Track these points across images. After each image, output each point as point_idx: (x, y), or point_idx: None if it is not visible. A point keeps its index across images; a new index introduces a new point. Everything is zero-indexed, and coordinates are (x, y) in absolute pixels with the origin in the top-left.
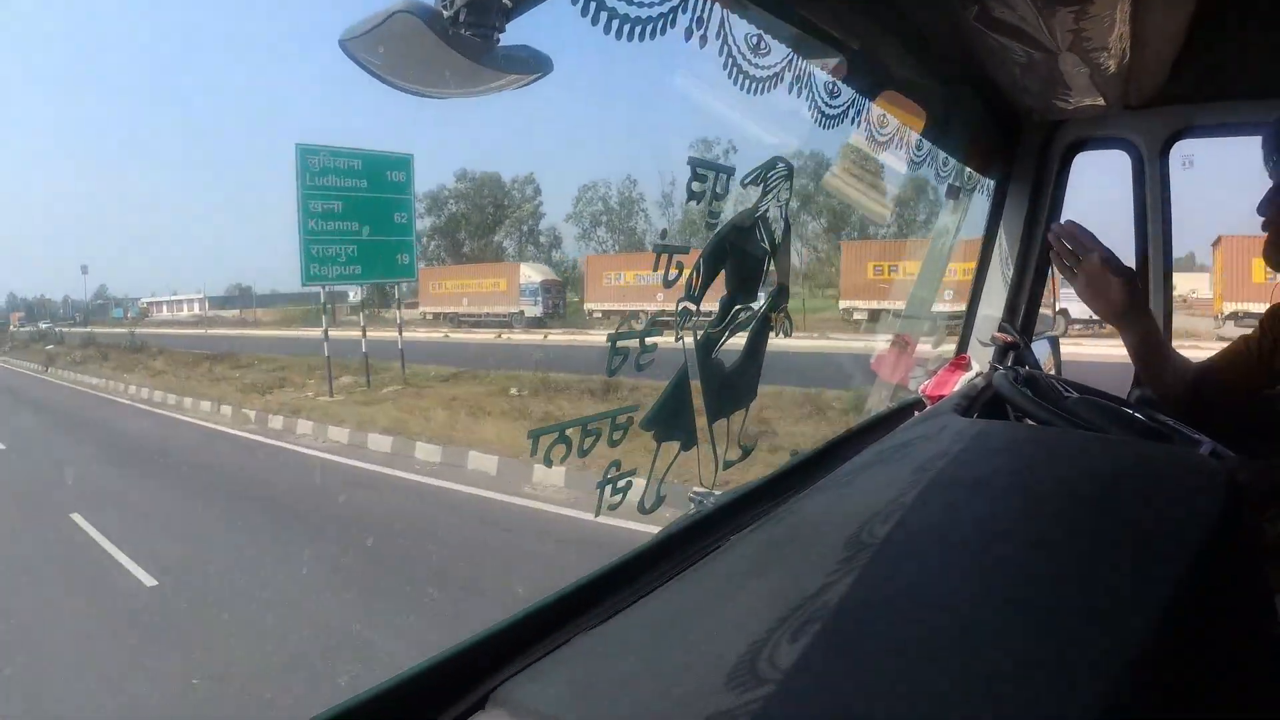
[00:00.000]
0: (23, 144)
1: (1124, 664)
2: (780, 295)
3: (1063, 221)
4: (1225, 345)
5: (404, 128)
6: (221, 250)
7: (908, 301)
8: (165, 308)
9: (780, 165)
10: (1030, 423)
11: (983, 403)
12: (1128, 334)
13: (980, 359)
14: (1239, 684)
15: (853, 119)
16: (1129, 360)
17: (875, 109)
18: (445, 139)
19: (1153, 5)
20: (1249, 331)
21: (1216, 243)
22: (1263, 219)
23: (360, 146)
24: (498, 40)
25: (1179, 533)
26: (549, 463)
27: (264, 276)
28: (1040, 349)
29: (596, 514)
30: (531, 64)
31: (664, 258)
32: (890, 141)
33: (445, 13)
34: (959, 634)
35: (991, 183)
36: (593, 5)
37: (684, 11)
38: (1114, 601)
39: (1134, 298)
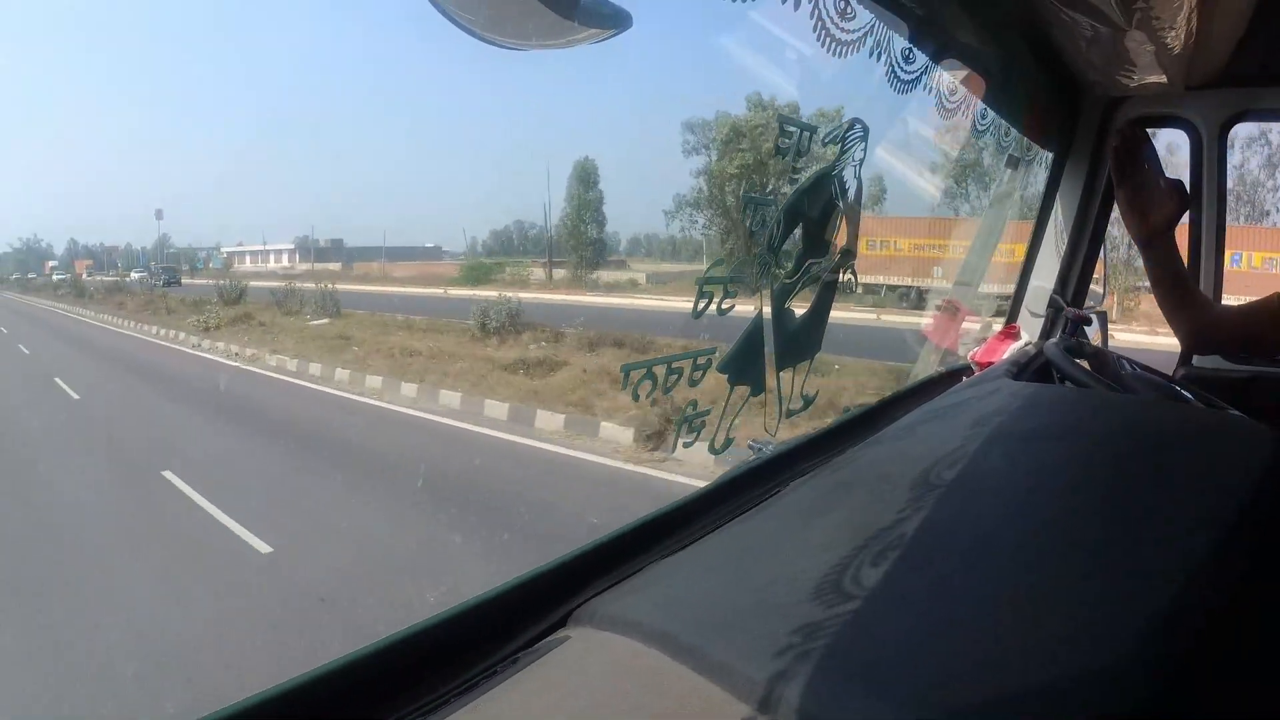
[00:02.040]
0: (83, 79)
1: (1163, 604)
2: (848, 253)
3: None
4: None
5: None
6: (285, 199)
7: (960, 270)
8: (248, 258)
9: (858, 126)
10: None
11: (1033, 370)
12: (1157, 255)
13: (1030, 329)
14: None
15: (925, 85)
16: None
17: (945, 77)
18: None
19: None
20: None
21: None
22: None
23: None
24: None
25: (1229, 488)
26: (636, 397)
27: (331, 229)
28: (1092, 321)
29: (673, 450)
30: (611, 19)
31: (750, 209)
32: (959, 109)
33: None
34: (1024, 569)
35: (1050, 156)
36: None
37: None
38: (1163, 548)
39: (1172, 223)
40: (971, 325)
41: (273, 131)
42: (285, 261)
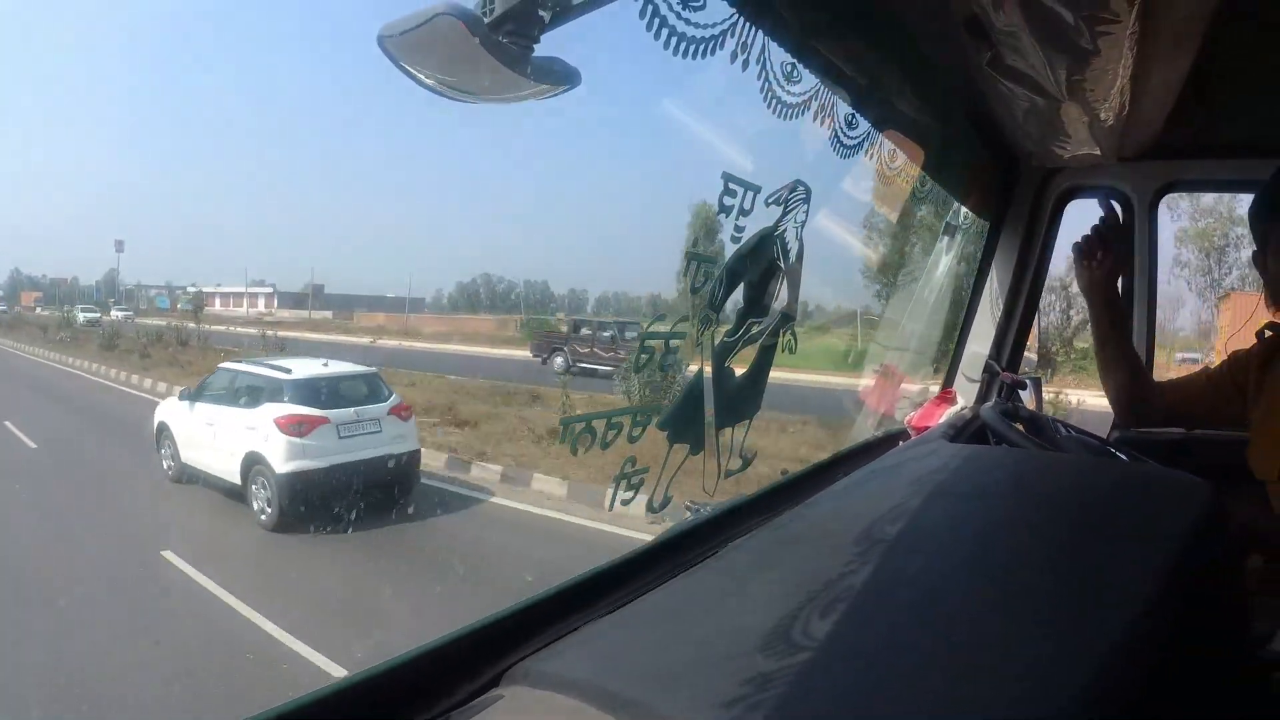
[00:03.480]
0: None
1: (1106, 650)
2: (788, 315)
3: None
4: (1186, 374)
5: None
6: (249, 240)
7: (897, 335)
8: (218, 301)
9: (800, 187)
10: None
11: (969, 433)
12: (1100, 318)
13: (966, 394)
14: (1213, 678)
15: (867, 150)
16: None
17: (887, 143)
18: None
19: (1153, 61)
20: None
21: (1224, 298)
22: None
23: None
24: (533, 50)
25: (1164, 540)
26: (575, 450)
27: (296, 274)
28: (1026, 386)
29: (610, 507)
30: (562, 76)
31: (693, 265)
32: (899, 175)
33: (486, 19)
34: (969, 622)
35: (985, 224)
36: (656, 21)
37: (732, 35)
38: (1098, 598)
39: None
40: (908, 389)
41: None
42: (262, 306)
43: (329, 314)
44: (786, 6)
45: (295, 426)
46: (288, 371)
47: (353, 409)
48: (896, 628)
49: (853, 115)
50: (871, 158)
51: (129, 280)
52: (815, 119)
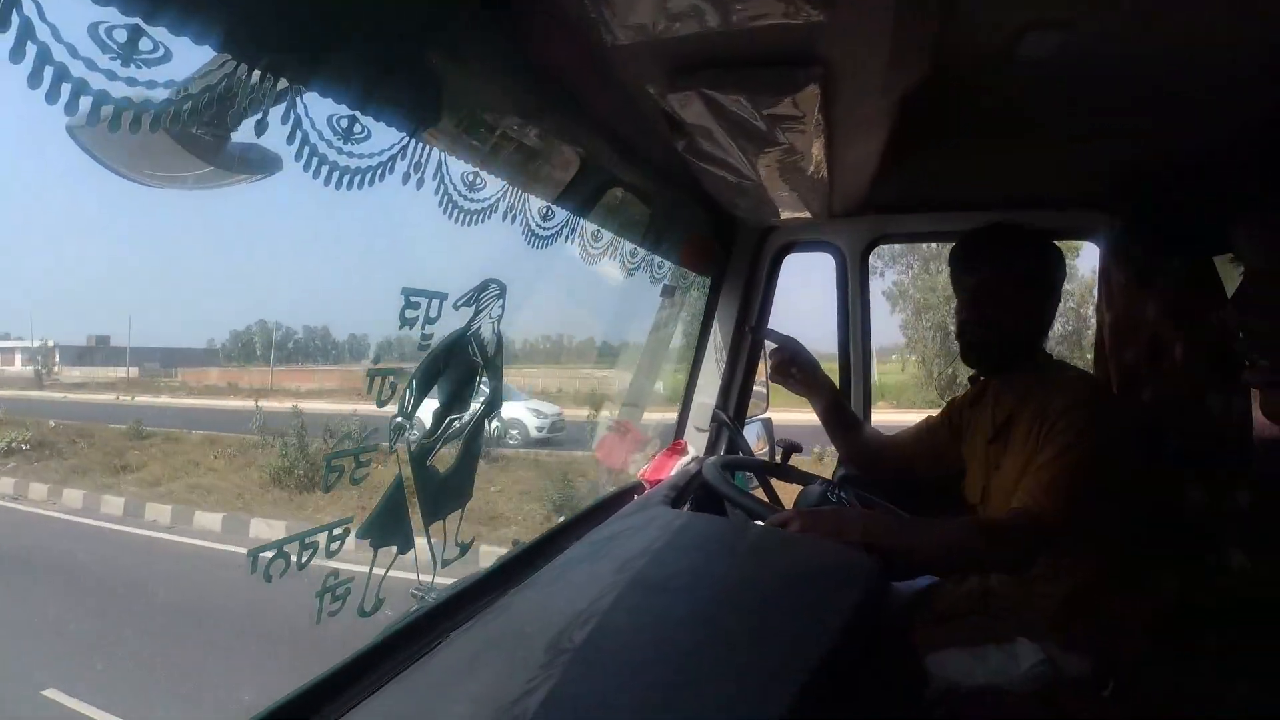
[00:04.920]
0: None
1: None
2: (493, 403)
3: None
4: (912, 425)
5: None
6: None
7: (628, 391)
8: None
9: (493, 286)
10: (731, 511)
11: (694, 490)
12: (818, 403)
13: (696, 444)
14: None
15: (566, 237)
16: None
17: (590, 225)
18: None
19: (848, 135)
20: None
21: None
22: (962, 319)
23: None
24: (229, 139)
25: (831, 611)
26: (268, 578)
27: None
28: (752, 431)
29: (317, 620)
30: (260, 164)
31: (378, 380)
32: (604, 253)
33: (174, 113)
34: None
35: (706, 281)
36: (314, 160)
37: (403, 158)
38: (766, 668)
39: (818, 377)
40: (641, 444)
41: None
42: (19, 364)
43: (132, 371)
44: (462, 125)
45: None
46: None
47: None
48: None
49: (547, 208)
50: (572, 242)
51: None
52: (505, 218)
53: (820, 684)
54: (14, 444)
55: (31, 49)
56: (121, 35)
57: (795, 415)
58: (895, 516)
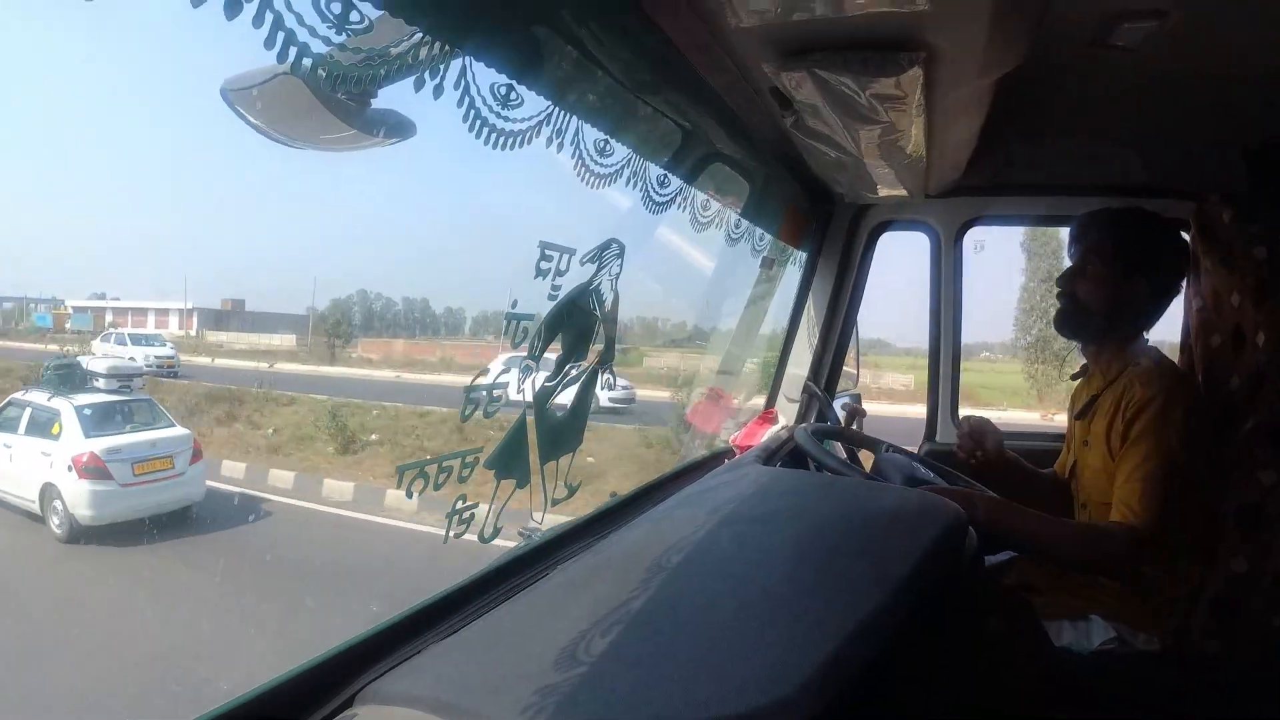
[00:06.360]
0: None
1: (838, 642)
2: (607, 355)
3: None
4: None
5: None
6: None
7: (723, 359)
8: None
9: (614, 245)
10: (823, 472)
11: (785, 453)
12: (1017, 519)
13: (787, 413)
14: (940, 663)
15: (679, 204)
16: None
17: (699, 195)
18: None
19: (945, 117)
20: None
21: None
22: (1058, 290)
23: None
24: (370, 104)
25: (902, 555)
26: (410, 494)
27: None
28: (840, 405)
29: (445, 540)
30: (397, 128)
31: (513, 323)
32: (711, 222)
33: (324, 76)
34: (727, 630)
35: (803, 256)
36: (475, 119)
37: (547, 125)
38: (838, 602)
39: (1004, 455)
40: (735, 410)
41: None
42: (175, 326)
43: (286, 338)
44: (598, 95)
45: None
46: None
47: None
48: (668, 639)
49: (664, 175)
50: (684, 209)
51: None
52: (628, 183)
53: (904, 602)
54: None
55: (269, 16)
56: (337, 7)
57: (881, 406)
58: (1001, 500)
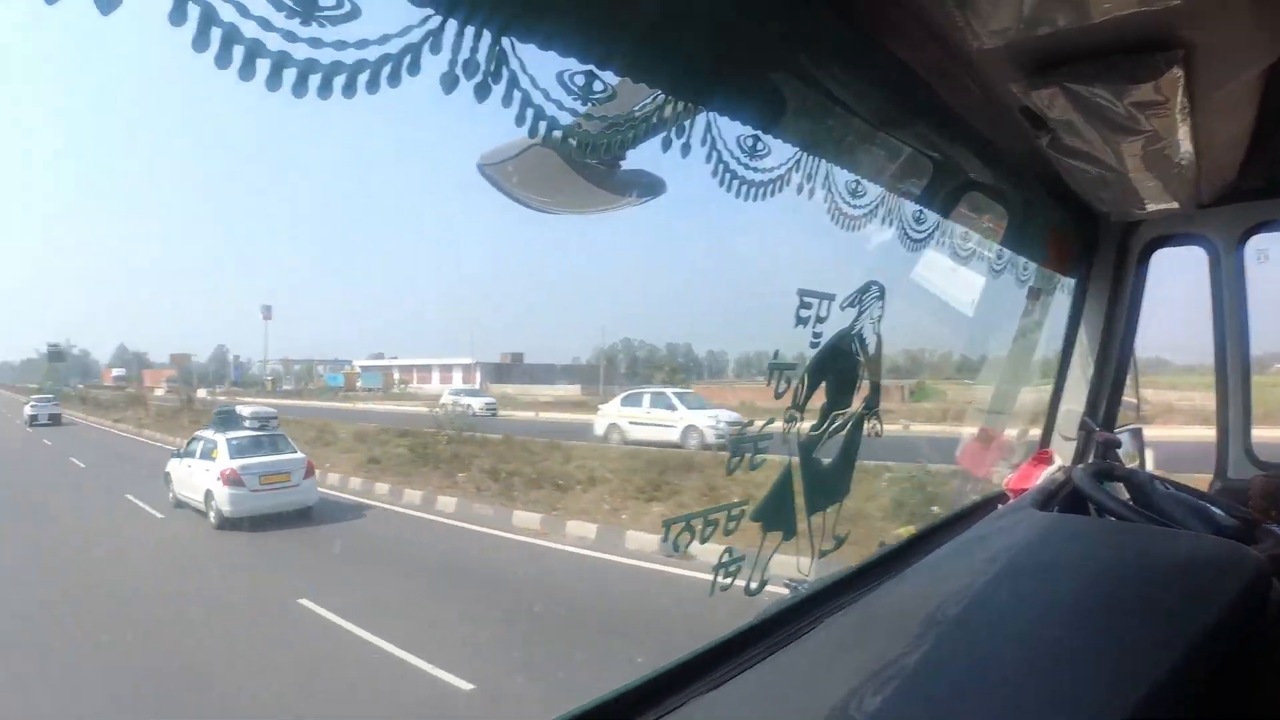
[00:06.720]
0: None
1: (1138, 702)
2: (873, 402)
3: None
4: None
5: None
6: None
7: (992, 397)
8: (416, 374)
9: (874, 288)
10: (1105, 516)
11: (1061, 497)
12: None
13: (1063, 453)
14: None
15: (938, 240)
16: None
17: (958, 227)
18: None
19: (1213, 118)
20: None
21: None
22: None
23: None
24: (619, 166)
25: (1205, 609)
26: (676, 547)
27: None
28: (1124, 440)
29: (711, 594)
30: (647, 187)
31: (776, 373)
32: (972, 255)
33: (574, 145)
34: (1010, 691)
35: (1071, 282)
36: (725, 172)
37: (796, 171)
38: (1134, 659)
39: None
40: (1006, 451)
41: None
42: (458, 381)
43: (574, 388)
44: (845, 135)
45: None
46: None
47: None
48: (942, 702)
49: (920, 211)
50: (943, 246)
51: (264, 353)
52: (883, 223)
53: (1199, 663)
54: None
55: (517, 95)
56: (580, 80)
57: (1165, 431)
58: None
